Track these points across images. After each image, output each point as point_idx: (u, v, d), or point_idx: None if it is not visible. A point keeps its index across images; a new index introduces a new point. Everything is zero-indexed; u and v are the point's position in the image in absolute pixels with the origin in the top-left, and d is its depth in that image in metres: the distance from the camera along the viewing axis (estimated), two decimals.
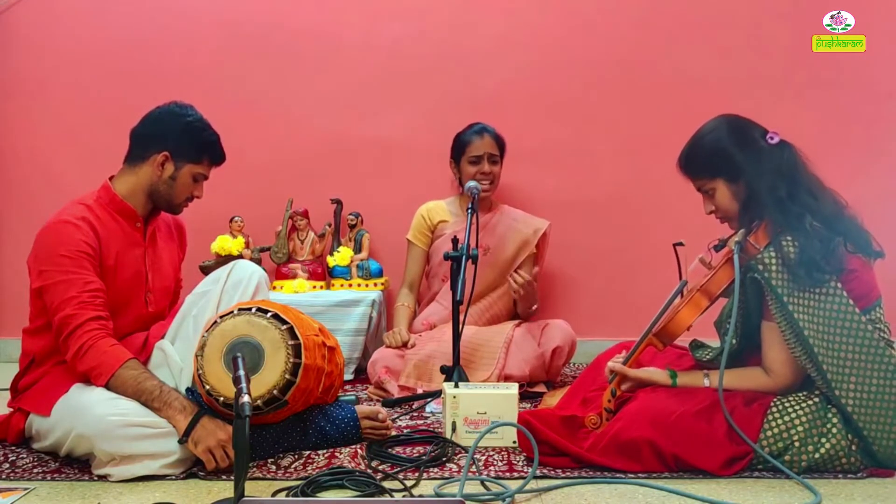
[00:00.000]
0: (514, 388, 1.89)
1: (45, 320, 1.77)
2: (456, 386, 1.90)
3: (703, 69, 3.03)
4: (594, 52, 3.08)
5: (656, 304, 1.79)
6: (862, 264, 1.66)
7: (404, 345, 2.51)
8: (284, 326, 1.67)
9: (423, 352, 2.43)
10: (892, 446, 1.60)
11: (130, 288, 1.88)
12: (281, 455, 1.75)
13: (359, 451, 1.79)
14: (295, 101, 3.15)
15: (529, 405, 2.26)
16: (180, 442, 1.60)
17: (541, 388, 2.45)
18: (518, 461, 1.71)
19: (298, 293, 2.88)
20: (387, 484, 1.55)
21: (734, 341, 1.69)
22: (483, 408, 1.84)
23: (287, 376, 1.63)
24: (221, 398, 1.62)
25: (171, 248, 2.05)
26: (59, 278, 1.70)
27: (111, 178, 1.90)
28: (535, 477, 1.57)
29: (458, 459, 1.73)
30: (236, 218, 3.01)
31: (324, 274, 3.02)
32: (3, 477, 1.64)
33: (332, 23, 3.13)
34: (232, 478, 1.48)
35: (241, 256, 2.89)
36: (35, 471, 1.66)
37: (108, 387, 1.66)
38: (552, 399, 2.20)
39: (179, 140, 1.86)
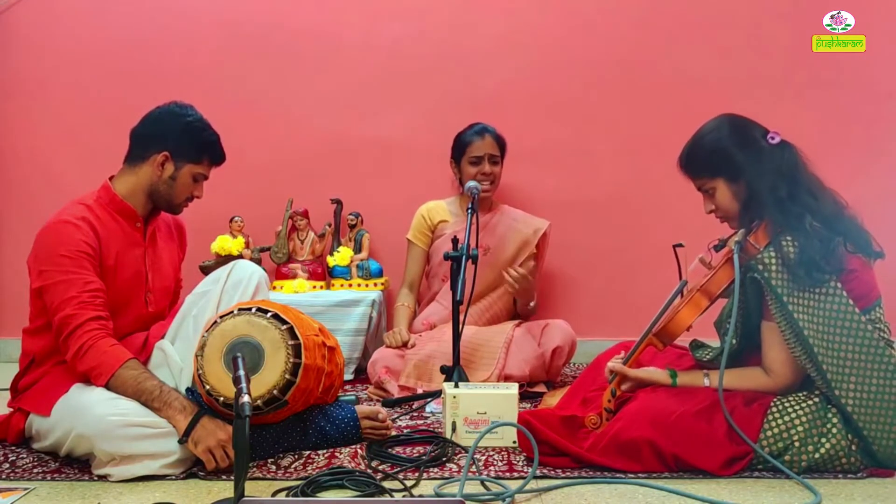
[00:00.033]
0: (514, 388, 1.89)
1: (45, 320, 1.77)
2: (456, 386, 1.90)
3: (703, 69, 3.03)
4: (594, 52, 3.08)
5: (656, 304, 1.79)
6: (862, 264, 1.66)
7: (404, 345, 2.51)
8: (284, 326, 1.67)
9: (423, 352, 2.43)
10: (892, 446, 1.60)
11: (130, 288, 1.88)
12: (281, 455, 1.75)
13: (359, 451, 1.79)
14: (295, 101, 3.15)
15: (529, 405, 2.26)
16: (180, 442, 1.60)
17: (541, 388, 2.45)
18: (518, 461, 1.71)
19: (298, 293, 2.88)
20: (387, 484, 1.55)
21: (734, 341, 1.69)
22: (483, 408, 1.84)
23: (287, 376, 1.64)
24: (221, 398, 1.62)
25: (171, 248, 2.05)
26: (59, 278, 1.70)
27: (111, 178, 1.91)
28: (535, 477, 1.57)
29: (458, 459, 1.73)
30: (236, 218, 3.01)
31: (324, 274, 3.02)
32: (3, 477, 1.64)
33: (332, 23, 3.13)
34: (232, 478, 1.48)
35: (241, 256, 2.89)
36: (35, 471, 1.66)
37: (108, 387, 1.66)
38: (552, 399, 2.20)
39: (179, 140, 1.86)
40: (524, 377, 2.42)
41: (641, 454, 1.60)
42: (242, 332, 1.64)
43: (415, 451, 1.79)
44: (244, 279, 1.88)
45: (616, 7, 3.08)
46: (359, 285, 2.95)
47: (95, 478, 1.62)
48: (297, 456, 1.75)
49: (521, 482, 1.52)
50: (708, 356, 1.79)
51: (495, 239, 2.71)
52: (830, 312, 1.60)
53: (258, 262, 2.94)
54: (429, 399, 2.27)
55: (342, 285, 2.97)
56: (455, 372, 2.18)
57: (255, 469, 1.65)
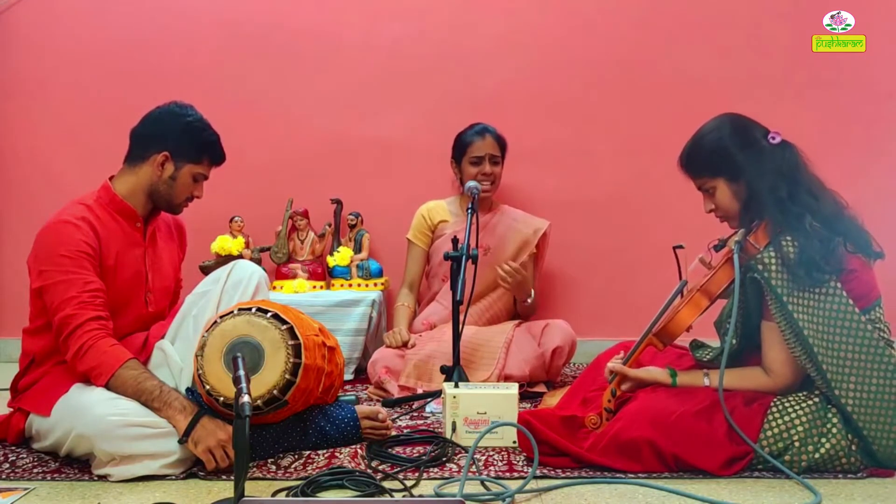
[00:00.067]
0: (514, 388, 1.89)
1: (45, 320, 1.77)
2: (456, 386, 1.90)
3: (703, 69, 3.03)
4: (594, 52, 3.08)
5: (656, 304, 1.79)
6: (862, 264, 1.66)
7: (404, 345, 2.51)
8: (284, 326, 1.67)
9: (423, 352, 2.43)
10: (892, 446, 1.60)
11: (130, 288, 1.88)
12: (281, 455, 1.75)
13: (359, 451, 1.79)
14: (295, 101, 3.15)
15: (529, 405, 2.26)
16: (180, 442, 1.60)
17: (541, 388, 2.45)
18: (518, 461, 1.71)
19: (298, 293, 2.88)
20: (387, 484, 1.55)
21: (734, 341, 1.69)
22: (483, 408, 1.84)
23: (287, 376, 1.63)
24: (221, 398, 1.62)
25: (171, 248, 2.05)
26: (59, 278, 1.70)
27: (111, 178, 1.91)
28: (535, 477, 1.57)
29: (458, 459, 1.73)
30: (236, 218, 3.01)
31: (324, 274, 3.02)
32: (3, 477, 1.64)
33: (332, 23, 3.13)
34: (232, 478, 1.48)
35: (241, 256, 2.89)
36: (35, 471, 1.66)
37: (108, 387, 1.66)
38: (552, 399, 2.20)
39: (179, 140, 1.86)
40: (524, 377, 2.41)
41: (641, 454, 1.60)
42: (242, 332, 1.64)
43: (415, 451, 1.79)
44: (244, 279, 1.88)
45: (616, 7, 3.08)
46: (359, 285, 2.95)
47: (95, 478, 1.62)
48: (297, 456, 1.75)
49: (521, 482, 1.52)
50: (708, 356, 1.79)
51: (495, 239, 2.71)
52: (830, 312, 1.60)
53: (258, 262, 2.94)
54: (429, 399, 2.27)
55: (342, 285, 2.97)
56: (455, 372, 2.18)
57: (255, 469, 1.65)
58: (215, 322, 1.67)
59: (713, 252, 1.81)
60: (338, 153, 3.14)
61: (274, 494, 1.51)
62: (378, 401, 2.37)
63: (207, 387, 1.62)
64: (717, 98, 2.82)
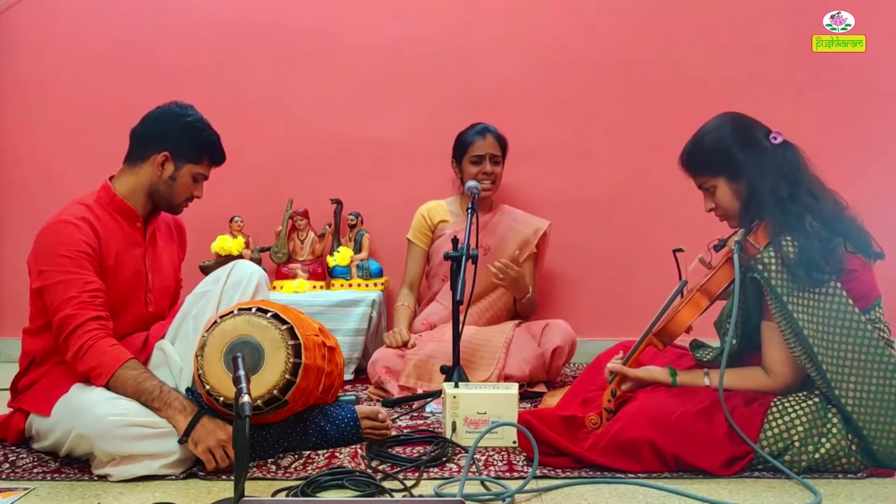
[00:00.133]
0: (514, 388, 1.89)
1: (45, 320, 1.77)
2: (456, 386, 1.90)
3: (703, 69, 3.03)
4: (594, 52, 3.08)
5: (656, 304, 1.79)
6: (861, 264, 1.66)
7: (404, 345, 2.51)
8: (284, 326, 1.67)
9: (423, 352, 2.43)
10: (892, 446, 1.60)
11: (130, 288, 1.88)
12: (281, 455, 1.75)
13: (359, 451, 1.79)
14: (295, 101, 3.15)
15: (529, 405, 2.26)
16: (180, 442, 1.60)
17: (541, 388, 2.45)
18: (518, 461, 1.71)
19: (298, 293, 2.88)
20: (387, 484, 1.55)
21: (734, 341, 1.69)
22: (483, 408, 1.84)
23: (287, 376, 1.63)
24: (221, 398, 1.62)
25: (171, 248, 2.05)
26: (59, 278, 1.70)
27: (111, 178, 1.91)
28: (535, 477, 1.57)
29: (458, 459, 1.73)
30: (236, 218, 3.01)
31: (324, 274, 3.02)
32: (3, 477, 1.64)
33: (332, 23, 3.13)
34: (232, 478, 1.48)
35: (241, 256, 2.89)
36: (35, 471, 1.66)
37: (108, 387, 1.66)
38: (552, 399, 2.20)
39: (179, 140, 1.86)
40: (524, 377, 2.41)
41: (641, 454, 1.60)
42: (242, 332, 1.64)
43: (415, 451, 1.79)
44: (244, 279, 1.88)
45: (616, 7, 3.08)
46: (359, 285, 2.95)
47: (95, 478, 1.62)
48: (297, 456, 1.75)
49: (521, 482, 1.52)
50: (708, 356, 1.79)
51: (495, 239, 2.71)
52: (830, 312, 1.60)
53: (258, 262, 2.94)
54: (429, 399, 2.27)
55: (342, 285, 2.97)
56: (455, 372, 2.18)
57: (255, 469, 1.65)
58: (215, 322, 1.67)
59: (713, 252, 1.81)
60: (338, 153, 3.14)
61: (274, 494, 1.51)
62: (378, 401, 2.37)
63: (207, 387, 1.62)
64: (717, 98, 2.81)
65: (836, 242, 1.62)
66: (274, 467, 1.67)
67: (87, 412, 1.60)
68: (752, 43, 3.02)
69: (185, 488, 1.56)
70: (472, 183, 2.52)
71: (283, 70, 3.14)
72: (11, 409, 1.85)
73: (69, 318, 1.68)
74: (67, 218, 1.76)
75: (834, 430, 1.60)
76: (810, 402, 1.63)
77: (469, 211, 2.34)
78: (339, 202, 3.05)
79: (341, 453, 1.78)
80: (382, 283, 2.99)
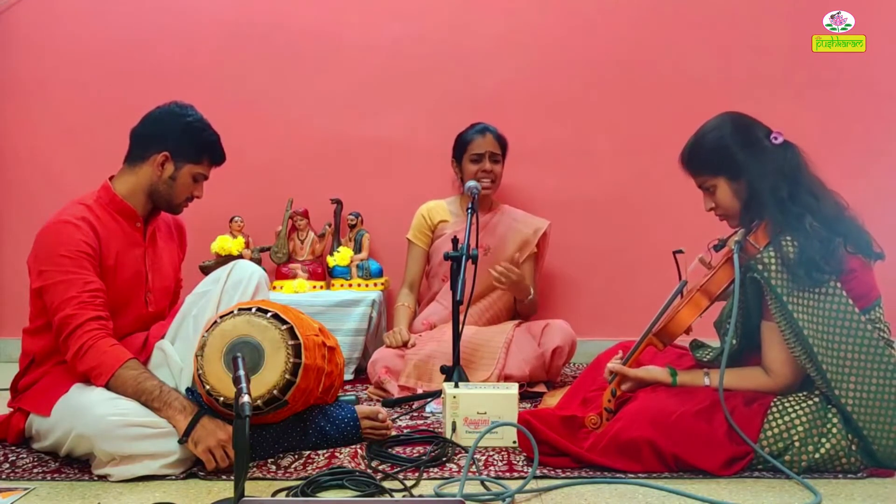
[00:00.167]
0: (514, 388, 1.89)
1: (45, 320, 1.77)
2: (456, 386, 1.90)
3: (703, 69, 3.03)
4: (594, 52, 3.08)
5: (656, 304, 1.79)
6: (861, 264, 1.66)
7: (404, 344, 2.51)
8: (284, 326, 1.67)
9: (423, 352, 2.43)
10: (892, 446, 1.60)
11: (130, 288, 1.88)
12: (281, 455, 1.75)
13: (359, 451, 1.79)
14: (295, 101, 3.15)
15: (529, 405, 2.26)
16: (180, 442, 1.60)
17: (541, 388, 2.45)
18: (518, 461, 1.71)
19: (298, 293, 2.88)
20: (387, 484, 1.55)
21: (734, 341, 1.69)
22: (483, 408, 1.84)
23: (287, 376, 1.63)
24: (221, 398, 1.62)
25: (171, 248, 2.05)
26: (59, 278, 1.70)
27: (111, 178, 1.91)
28: (535, 477, 1.57)
29: (458, 459, 1.73)
30: (236, 218, 3.01)
31: (324, 274, 3.02)
32: (3, 477, 1.64)
33: (332, 23, 3.13)
34: (232, 478, 1.48)
35: (241, 256, 2.89)
36: (35, 471, 1.66)
37: (108, 387, 1.66)
38: (552, 399, 2.20)
39: (179, 140, 1.86)
40: (524, 377, 2.41)
41: (641, 454, 1.60)
42: (242, 332, 1.64)
43: (415, 451, 1.79)
44: (244, 279, 1.88)
45: (616, 7, 3.08)
46: (359, 285, 2.95)
47: (95, 478, 1.62)
48: (297, 456, 1.75)
49: (521, 482, 1.52)
50: (708, 356, 1.79)
51: (495, 239, 2.71)
52: (830, 312, 1.60)
53: (258, 262, 2.94)
54: (429, 399, 2.27)
55: (342, 285, 2.97)
56: (455, 372, 2.18)
57: (255, 469, 1.65)
58: (215, 322, 1.67)
59: (713, 252, 1.81)
60: (338, 153, 3.14)
61: (274, 494, 1.51)
62: (378, 401, 2.36)
63: (207, 387, 1.62)
64: (717, 98, 2.81)
65: (836, 243, 1.62)
66: (274, 467, 1.67)
67: (87, 412, 1.60)
68: (752, 43, 3.02)
69: (185, 488, 1.56)
70: (472, 183, 2.52)
71: (283, 70, 3.14)
72: (11, 409, 1.85)
73: (69, 318, 1.68)
74: (67, 218, 1.76)
75: (834, 430, 1.60)
76: (810, 402, 1.63)
77: (469, 211, 2.34)
78: (339, 202, 3.05)
79: (341, 453, 1.78)
80: (382, 283, 2.99)
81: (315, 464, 1.70)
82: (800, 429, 1.60)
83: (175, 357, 1.79)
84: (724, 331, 1.73)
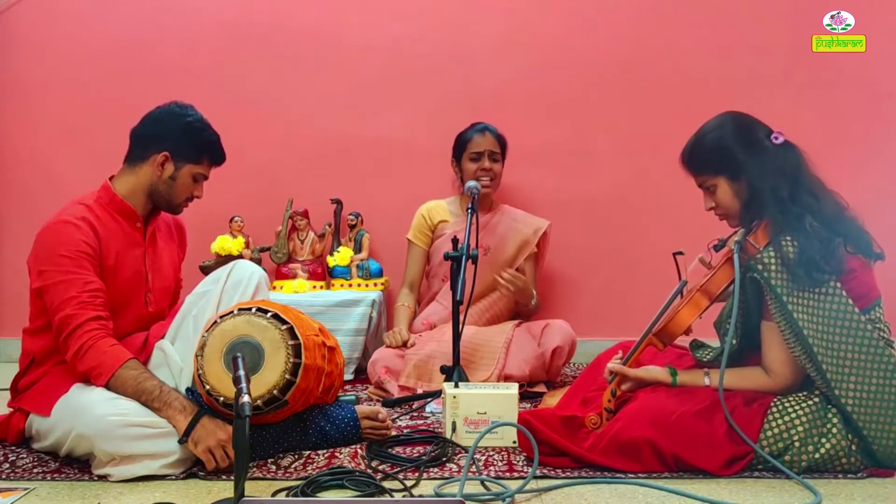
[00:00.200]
0: (514, 388, 1.89)
1: (45, 320, 1.77)
2: (456, 386, 1.90)
3: (703, 69, 3.03)
4: (594, 52, 3.08)
5: (656, 304, 1.79)
6: (861, 264, 1.66)
7: (404, 344, 2.51)
8: (284, 326, 1.67)
9: (423, 352, 2.43)
10: (892, 446, 1.60)
11: (130, 288, 1.88)
12: (281, 455, 1.75)
13: (359, 451, 1.79)
14: (295, 101, 3.15)
15: (529, 405, 2.26)
16: (180, 442, 1.60)
17: (541, 388, 2.45)
18: (518, 461, 1.71)
19: (298, 293, 2.88)
20: (387, 484, 1.55)
21: (734, 341, 1.69)
22: (483, 408, 1.84)
23: (287, 376, 1.63)
24: (221, 398, 1.62)
25: (171, 248, 2.05)
26: (59, 278, 1.70)
27: (111, 178, 1.90)
28: (535, 477, 1.57)
29: (458, 459, 1.73)
30: (236, 218, 3.01)
31: (324, 274, 3.02)
32: (3, 477, 1.64)
33: (332, 23, 3.13)
34: (232, 478, 1.48)
35: (241, 256, 2.89)
36: (35, 471, 1.66)
37: (108, 387, 1.66)
38: (552, 399, 2.20)
39: (179, 140, 1.86)
40: (524, 377, 2.41)
41: (641, 454, 1.60)
42: (242, 332, 1.64)
43: (415, 451, 1.79)
44: (244, 279, 1.88)
45: (616, 7, 3.08)
46: (359, 285, 2.95)
47: (95, 478, 1.62)
48: (297, 456, 1.75)
49: (521, 482, 1.52)
50: (708, 356, 1.79)
51: (495, 239, 2.71)
52: (830, 312, 1.60)
53: (258, 262, 2.94)
54: (429, 399, 2.27)
55: (342, 285, 2.97)
56: (455, 372, 2.18)
57: (255, 469, 1.65)
58: (215, 322, 1.67)
59: (713, 252, 1.81)
60: (338, 153, 3.14)
61: (274, 494, 1.51)
62: (378, 401, 2.36)
63: (207, 387, 1.62)
64: (717, 98, 2.81)
65: (836, 243, 1.62)
66: (274, 467, 1.67)
67: (87, 412, 1.60)
68: (752, 43, 3.02)
69: (185, 488, 1.56)
70: (471, 183, 2.52)
71: (283, 70, 3.14)
72: (11, 409, 1.85)
73: (69, 318, 1.68)
74: (67, 218, 1.76)
75: (834, 430, 1.60)
76: (810, 402, 1.63)
77: (469, 211, 2.33)
78: (339, 202, 3.05)
79: (341, 453, 1.78)
80: (382, 283, 2.99)
81: (315, 464, 1.70)
82: (800, 429, 1.60)
83: (175, 357, 1.79)
84: (724, 331, 1.73)
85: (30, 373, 1.81)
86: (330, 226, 3.05)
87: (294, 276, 2.96)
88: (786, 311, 1.61)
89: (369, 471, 1.62)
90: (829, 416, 1.61)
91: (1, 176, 3.22)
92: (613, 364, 1.80)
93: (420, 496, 1.51)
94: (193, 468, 1.64)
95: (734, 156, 1.71)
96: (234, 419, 1.32)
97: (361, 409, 1.89)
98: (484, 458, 1.74)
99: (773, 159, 1.69)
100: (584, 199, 3.08)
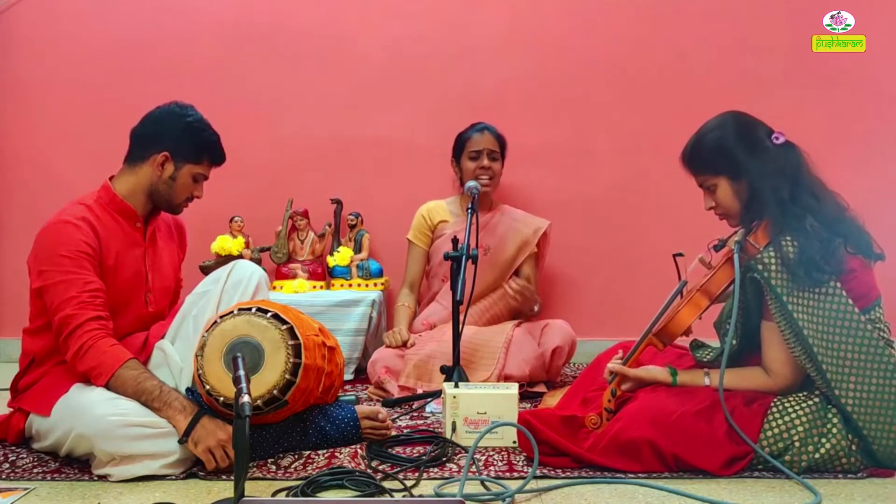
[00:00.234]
0: (514, 388, 1.89)
1: (45, 320, 1.77)
2: (456, 386, 1.90)
3: (703, 69, 3.03)
4: (594, 52, 3.08)
5: (656, 304, 1.79)
6: (861, 264, 1.66)
7: (404, 344, 2.51)
8: (284, 326, 1.67)
9: (423, 352, 2.43)
10: (892, 446, 1.60)
11: (130, 288, 1.88)
12: (281, 455, 1.75)
13: (359, 451, 1.79)
14: (295, 101, 3.15)
15: (529, 405, 2.26)
16: (180, 442, 1.60)
17: (541, 388, 2.45)
18: (518, 461, 1.71)
19: (298, 293, 2.88)
20: (387, 484, 1.55)
21: (734, 341, 1.69)
22: (483, 408, 1.84)
23: (287, 376, 1.63)
24: (221, 398, 1.61)
25: (171, 248, 2.05)
26: (59, 278, 1.70)
27: (111, 178, 1.90)
28: (535, 477, 1.57)
29: (458, 459, 1.73)
30: (236, 218, 3.01)
31: (324, 274, 3.02)
32: (3, 477, 1.64)
33: (332, 23, 3.13)
34: (232, 478, 1.48)
35: (241, 256, 2.89)
36: (35, 471, 1.66)
37: (108, 387, 1.66)
38: (552, 399, 2.20)
39: (179, 140, 1.86)
40: (524, 377, 2.41)
41: (641, 454, 1.60)
42: (242, 332, 1.64)
43: (415, 451, 1.79)
44: (244, 279, 1.88)
45: (616, 7, 3.08)
46: (359, 285, 2.95)
47: (95, 478, 1.62)
48: (297, 456, 1.75)
49: (521, 482, 1.52)
50: (708, 356, 1.79)
51: (495, 239, 2.71)
52: (830, 312, 1.60)
53: (258, 262, 2.94)
54: (429, 399, 2.27)
55: (342, 285, 2.97)
56: (455, 372, 2.18)
57: (255, 469, 1.65)
58: (215, 322, 1.67)
59: (713, 252, 1.81)
60: (338, 153, 3.14)
61: (274, 494, 1.51)
62: (378, 401, 2.36)
63: (207, 387, 1.62)
64: (717, 98, 2.79)
65: (836, 243, 1.62)
66: (274, 467, 1.67)
67: (87, 412, 1.60)
68: (752, 43, 3.02)
69: (185, 488, 1.56)
70: (471, 183, 2.52)
71: (283, 70, 3.15)
72: (11, 409, 1.85)
73: (69, 318, 1.68)
74: (67, 218, 1.76)
75: (834, 430, 1.60)
76: (810, 402, 1.63)
77: (469, 211, 2.33)
78: (339, 202, 3.05)
79: (341, 453, 1.78)
80: (382, 283, 2.99)
81: (315, 464, 1.70)
82: (800, 429, 1.60)
83: (175, 357, 1.79)
84: (724, 331, 1.73)
85: (30, 373, 1.81)
86: (330, 226, 3.05)
87: (294, 276, 2.96)
88: (786, 311, 1.61)
89: (369, 471, 1.62)
90: (829, 416, 1.61)
91: (1, 176, 3.22)
92: (613, 364, 1.80)
93: (420, 496, 1.51)
94: (193, 468, 1.64)
95: (735, 156, 1.71)
96: (234, 419, 1.32)
97: (361, 409, 1.89)
98: (484, 458, 1.74)
99: (774, 159, 1.69)
100: (584, 199, 3.08)
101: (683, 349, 1.93)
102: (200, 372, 1.63)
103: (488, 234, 2.70)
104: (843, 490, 1.53)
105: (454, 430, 1.84)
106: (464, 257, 2.18)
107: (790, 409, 1.63)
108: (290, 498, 1.48)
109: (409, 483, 1.56)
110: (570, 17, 3.09)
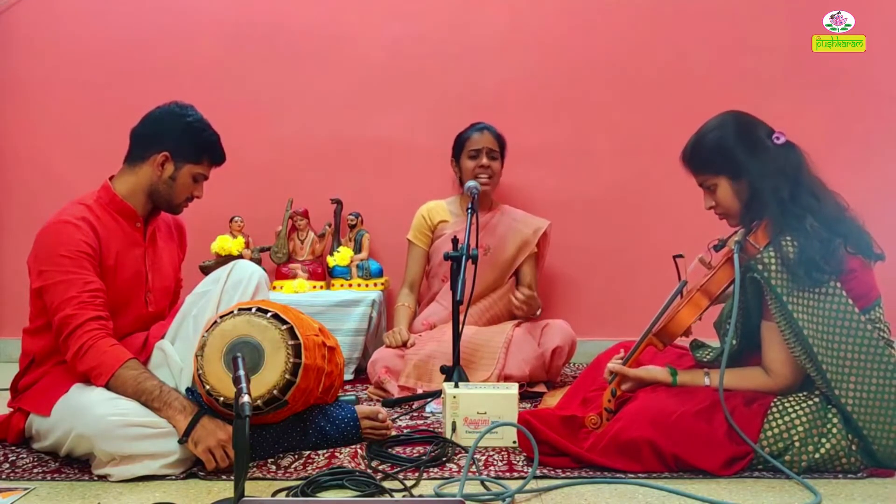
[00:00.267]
0: (514, 388, 1.89)
1: (45, 320, 1.77)
2: (456, 386, 1.90)
3: (703, 69, 3.03)
4: (594, 52, 3.08)
5: (656, 304, 1.79)
6: (861, 264, 1.66)
7: (404, 344, 2.51)
8: (284, 326, 1.67)
9: (423, 352, 2.43)
10: (892, 446, 1.60)
11: (130, 288, 1.88)
12: (281, 455, 1.75)
13: (359, 451, 1.79)
14: (295, 101, 3.15)
15: (529, 405, 2.26)
16: (180, 442, 1.60)
17: (541, 388, 2.45)
18: (518, 461, 1.71)
19: (298, 293, 2.88)
20: (387, 484, 1.55)
21: (734, 341, 1.69)
22: (483, 408, 1.84)
23: (287, 376, 1.63)
24: (221, 398, 1.61)
25: (171, 248, 2.05)
26: (59, 278, 1.70)
27: (111, 178, 1.90)
28: (535, 477, 1.57)
29: (458, 459, 1.73)
30: (236, 218, 3.01)
31: (324, 274, 3.02)
32: (3, 477, 1.64)
33: (332, 23, 3.13)
34: (232, 478, 1.48)
35: (241, 256, 2.89)
36: (35, 471, 1.66)
37: (108, 387, 1.66)
38: (552, 399, 2.20)
39: (179, 140, 1.86)
40: (524, 377, 2.41)
41: (641, 454, 1.60)
42: (242, 332, 1.64)
43: (415, 451, 1.79)
44: (244, 279, 1.88)
45: (616, 7, 3.08)
46: (359, 285, 2.95)
47: (95, 478, 1.62)
48: (297, 456, 1.75)
49: (521, 482, 1.52)
50: (708, 356, 1.79)
51: (495, 239, 2.71)
52: (830, 312, 1.60)
53: (258, 262, 2.94)
54: (429, 399, 2.27)
55: (342, 285, 2.97)
56: (455, 372, 2.18)
57: (255, 469, 1.65)
58: (215, 322, 1.67)
59: (713, 252, 1.81)
60: (338, 153, 3.14)
61: (274, 494, 1.51)
62: (378, 401, 2.36)
63: (207, 387, 1.62)
64: (717, 98, 2.79)
65: (836, 243, 1.62)
66: (274, 467, 1.67)
67: (87, 412, 1.60)
68: (752, 43, 3.02)
69: (185, 488, 1.56)
70: (471, 183, 2.52)
71: (283, 70, 3.15)
72: (11, 409, 1.85)
73: (69, 318, 1.68)
74: (67, 218, 1.76)
75: (834, 430, 1.60)
76: (810, 402, 1.63)
77: (469, 211, 2.34)
78: (339, 202, 3.05)
79: (341, 453, 1.78)
80: (382, 283, 2.99)
81: (315, 464, 1.70)
82: (800, 429, 1.60)
83: (175, 357, 1.79)
84: (724, 331, 1.73)
85: (30, 373, 1.81)
86: (330, 226, 3.05)
87: (294, 276, 2.96)
88: (786, 311, 1.61)
89: (369, 471, 1.62)
90: (829, 416, 1.61)
91: (1, 176, 3.22)
92: (613, 364, 1.80)
93: (420, 496, 1.51)
94: (193, 468, 1.64)
95: (735, 155, 1.71)
96: (234, 419, 1.32)
97: (361, 409, 1.89)
98: (484, 458, 1.74)
99: (775, 159, 1.69)
100: (584, 199, 3.08)
101: (683, 349, 1.93)
102: (200, 372, 1.63)
103: (488, 234, 2.70)
104: (843, 490, 1.53)
105: (454, 430, 1.84)
106: (464, 257, 2.18)
107: (790, 409, 1.63)
108: (290, 498, 1.48)
109: (409, 483, 1.56)
110: (570, 17, 3.09)
